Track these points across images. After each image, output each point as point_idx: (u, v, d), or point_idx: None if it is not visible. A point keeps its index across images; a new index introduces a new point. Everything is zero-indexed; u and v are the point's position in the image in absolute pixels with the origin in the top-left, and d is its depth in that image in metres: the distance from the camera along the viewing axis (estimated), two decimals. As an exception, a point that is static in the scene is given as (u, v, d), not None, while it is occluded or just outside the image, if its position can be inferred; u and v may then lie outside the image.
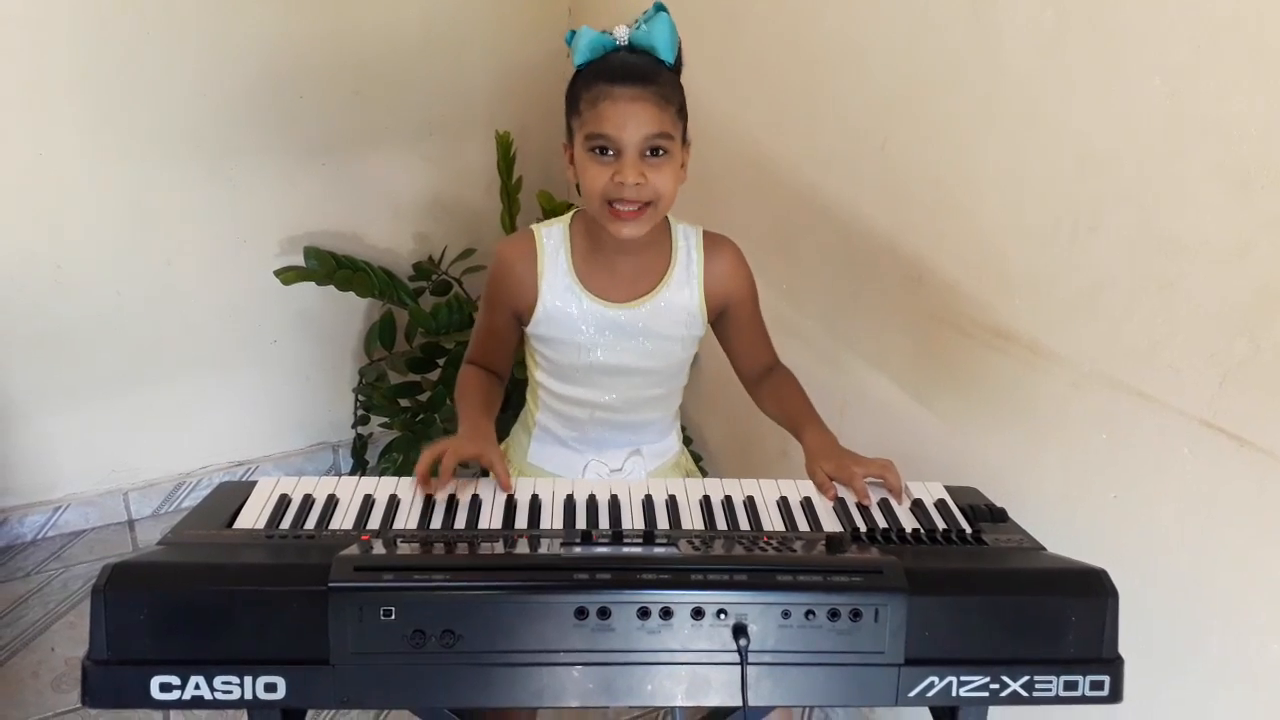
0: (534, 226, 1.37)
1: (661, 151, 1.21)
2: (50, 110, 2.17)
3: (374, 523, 1.09)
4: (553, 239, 1.35)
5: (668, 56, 1.22)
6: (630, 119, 1.18)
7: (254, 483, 1.16)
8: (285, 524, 1.08)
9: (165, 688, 0.86)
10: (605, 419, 1.43)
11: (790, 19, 1.77)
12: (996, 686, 0.90)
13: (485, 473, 1.22)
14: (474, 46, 2.55)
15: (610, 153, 1.20)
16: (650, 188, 1.20)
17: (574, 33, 1.23)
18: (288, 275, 2.35)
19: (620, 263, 1.34)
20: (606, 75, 1.19)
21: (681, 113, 1.24)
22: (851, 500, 1.18)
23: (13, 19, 2.07)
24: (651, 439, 1.49)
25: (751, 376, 1.46)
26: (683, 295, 1.35)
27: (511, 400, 1.53)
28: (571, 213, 1.38)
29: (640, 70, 1.19)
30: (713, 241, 1.39)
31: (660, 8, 1.23)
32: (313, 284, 2.39)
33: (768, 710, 0.98)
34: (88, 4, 2.12)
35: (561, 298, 1.34)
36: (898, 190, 1.56)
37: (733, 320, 1.41)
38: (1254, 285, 1.02)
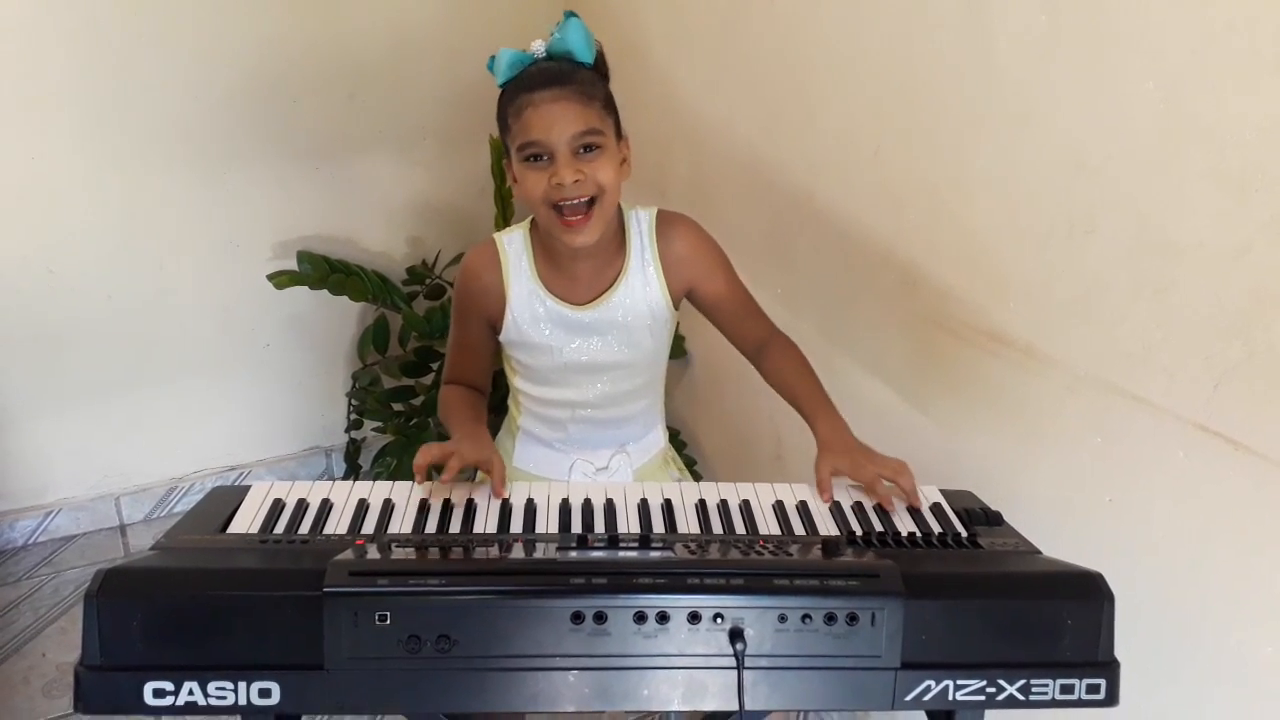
0: (495, 235, 1.38)
1: (594, 148, 1.22)
2: (43, 115, 2.16)
3: (368, 527, 1.09)
4: (514, 245, 1.36)
5: (586, 58, 1.24)
6: (555, 120, 1.19)
7: (248, 487, 1.16)
8: (279, 529, 1.08)
9: (159, 694, 0.85)
10: (586, 417, 1.43)
11: (783, 25, 1.77)
12: (993, 690, 0.90)
13: (475, 475, 1.22)
14: (467, 51, 2.52)
15: (544, 158, 1.21)
16: (590, 182, 1.21)
17: (494, 57, 1.25)
18: (281, 279, 2.35)
19: (577, 265, 1.34)
20: (526, 85, 1.22)
21: (609, 107, 1.25)
22: (869, 503, 1.18)
23: (6, 25, 2.06)
24: (636, 434, 1.49)
25: (748, 351, 1.45)
26: (642, 287, 1.35)
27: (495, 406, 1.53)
28: (530, 218, 1.38)
29: (557, 73, 1.22)
30: (666, 222, 1.37)
31: (570, 14, 1.25)
32: (306, 288, 2.39)
33: (764, 715, 0.98)
34: (81, 9, 2.12)
35: (527, 302, 1.34)
36: (891, 195, 1.56)
37: (707, 297, 1.40)
38: (1249, 288, 1.03)
